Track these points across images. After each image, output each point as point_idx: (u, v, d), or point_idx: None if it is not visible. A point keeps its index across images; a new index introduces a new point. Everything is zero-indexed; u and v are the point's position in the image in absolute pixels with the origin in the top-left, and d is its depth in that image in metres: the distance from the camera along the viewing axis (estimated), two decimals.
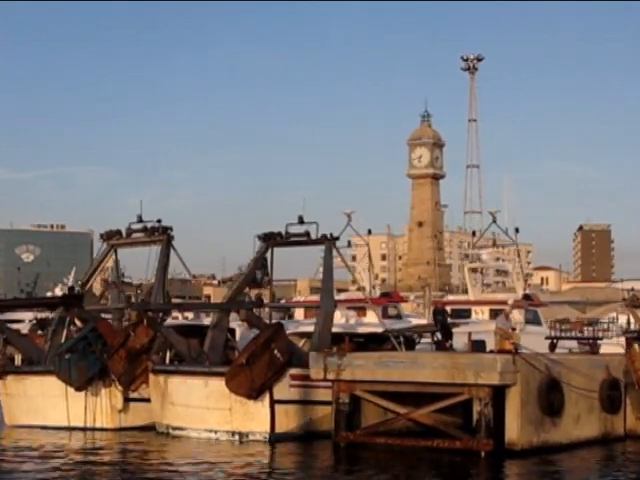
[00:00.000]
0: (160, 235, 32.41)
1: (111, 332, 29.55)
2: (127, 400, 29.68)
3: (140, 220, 33.16)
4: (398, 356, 25.16)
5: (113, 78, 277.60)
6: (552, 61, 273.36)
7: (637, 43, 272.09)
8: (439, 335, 29.36)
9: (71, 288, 30.63)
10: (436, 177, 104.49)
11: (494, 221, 39.19)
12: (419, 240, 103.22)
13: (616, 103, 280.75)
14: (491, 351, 25.86)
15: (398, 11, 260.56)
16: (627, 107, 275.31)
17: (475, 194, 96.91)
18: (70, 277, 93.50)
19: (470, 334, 26.78)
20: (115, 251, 33.90)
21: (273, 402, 26.97)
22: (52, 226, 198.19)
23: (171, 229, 32.44)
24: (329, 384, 26.95)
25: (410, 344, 29.08)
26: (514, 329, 26.31)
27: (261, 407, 26.96)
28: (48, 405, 30.25)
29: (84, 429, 29.48)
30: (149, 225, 32.68)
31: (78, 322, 30.17)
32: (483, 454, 23.92)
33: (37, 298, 32.52)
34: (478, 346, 30.07)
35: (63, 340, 32.66)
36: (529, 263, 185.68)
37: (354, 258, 47.55)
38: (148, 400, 29.61)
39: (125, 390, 29.15)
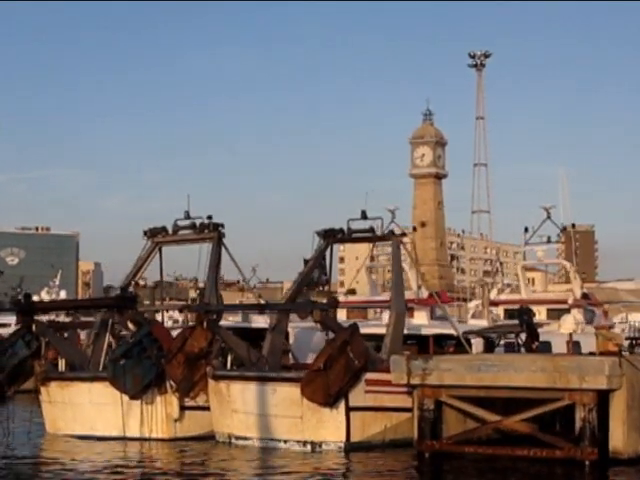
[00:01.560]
0: (211, 232, 30.68)
1: (166, 336, 27.71)
2: (182, 408, 27.84)
3: (188, 216, 31.41)
4: (491, 359, 23.47)
5: (87, 79, 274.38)
6: (553, 64, 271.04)
7: None
8: (522, 336, 27.67)
9: (124, 289, 28.71)
10: (439, 176, 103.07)
11: (548, 217, 37.65)
12: (422, 240, 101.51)
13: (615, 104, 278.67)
14: (591, 353, 24.21)
15: (398, 10, 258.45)
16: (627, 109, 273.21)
17: (483, 193, 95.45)
18: (56, 280, 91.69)
19: (571, 335, 25.15)
20: (160, 249, 32.11)
21: (348, 409, 25.25)
22: (37, 228, 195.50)
23: (222, 226, 30.70)
24: (404, 389, 25.36)
25: (490, 346, 27.40)
26: (611, 327, 24.74)
27: (336, 414, 25.21)
28: (97, 414, 28.38)
29: (137, 439, 27.57)
30: (198, 221, 30.99)
31: (131, 325, 28.24)
32: (588, 464, 22.26)
33: (88, 299, 30.48)
34: (545, 347, 28.53)
35: (106, 344, 31.01)
36: (516, 264, 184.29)
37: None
38: (204, 408, 27.88)
39: (184, 397, 27.33)
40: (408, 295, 39.05)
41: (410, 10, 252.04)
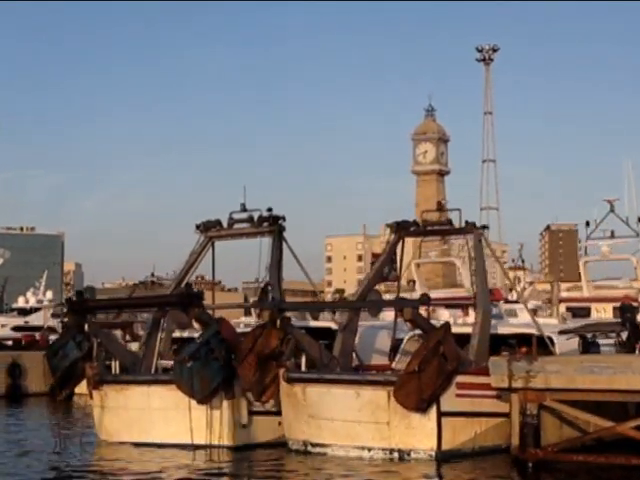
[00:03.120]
0: (271, 225, 28.85)
1: (235, 336, 25.84)
2: (250, 413, 26.00)
3: (244, 209, 29.55)
4: (604, 360, 21.78)
5: (61, 80, 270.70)
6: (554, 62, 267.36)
7: None
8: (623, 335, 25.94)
9: (188, 285, 26.77)
10: (442, 173, 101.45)
11: (612, 210, 36.08)
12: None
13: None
14: None
15: (399, 5, 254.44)
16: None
17: (492, 189, 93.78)
18: (42, 281, 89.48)
19: None
20: (212, 245, 30.26)
21: (440, 414, 23.47)
22: (22, 228, 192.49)
23: (283, 219, 28.87)
24: (494, 393, 23.69)
25: (592, 346, 25.62)
26: None
27: (426, 420, 23.41)
28: (156, 419, 26.46)
29: (201, 447, 25.64)
30: (255, 214, 29.16)
31: (196, 324, 26.32)
32: None
33: (148, 296, 28.52)
34: None
35: (158, 344, 29.13)
36: (505, 263, 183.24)
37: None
38: (271, 413, 26.10)
39: (256, 401, 25.50)
40: (459, 293, 37.44)
41: (411, 6, 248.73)
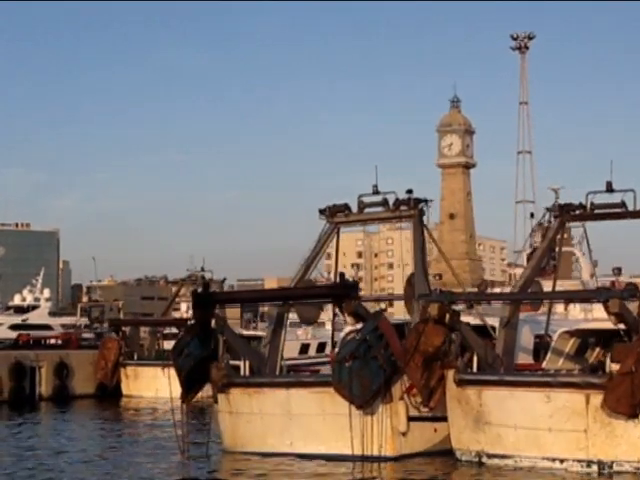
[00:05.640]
0: (411, 209, 25.89)
1: (393, 332, 22.83)
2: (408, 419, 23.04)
3: (376, 191, 26.56)
4: None
5: (36, 79, 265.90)
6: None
7: None
8: None
9: (342, 275, 23.73)
10: (467, 166, 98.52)
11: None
12: (450, 233, 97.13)
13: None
14: None
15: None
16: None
17: (528, 182, 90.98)
18: (39, 278, 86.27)
19: None
20: (338, 231, 27.31)
21: None
22: (17, 225, 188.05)
23: (426, 202, 25.90)
24: None
25: None
26: None
27: (633, 428, 20.48)
28: (297, 427, 23.44)
29: (355, 458, 22.56)
30: (391, 197, 26.21)
31: (349, 319, 23.28)
32: None
33: (294, 288, 25.45)
34: None
35: (282, 342, 26.14)
36: (503, 259, 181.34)
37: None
38: (428, 419, 23.17)
39: (425, 406, 22.55)
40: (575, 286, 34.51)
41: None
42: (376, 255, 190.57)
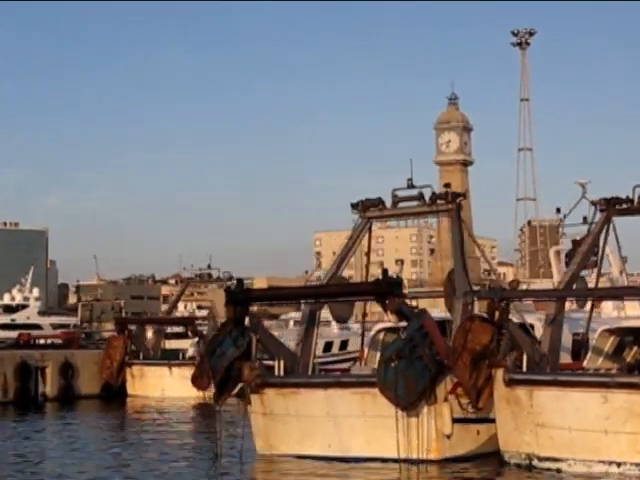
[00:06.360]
0: (448, 203, 25.08)
1: (438, 331, 21.96)
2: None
3: (411, 185, 25.74)
4: None
5: (26, 76, 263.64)
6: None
7: None
8: None
9: (386, 271, 22.83)
10: (465, 164, 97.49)
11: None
12: (449, 231, 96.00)
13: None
14: None
15: None
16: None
17: (529, 179, 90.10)
18: (28, 277, 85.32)
19: None
20: (370, 226, 26.49)
21: None
22: (5, 224, 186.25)
23: (463, 195, 25.12)
24: None
25: None
26: None
27: None
28: (339, 429, 22.54)
29: (399, 460, 21.63)
30: (425, 191, 25.42)
31: (392, 317, 22.35)
32: None
33: (334, 285, 24.58)
34: None
35: (314, 341, 25.28)
36: (494, 258, 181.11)
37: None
38: (471, 420, 22.34)
39: (473, 407, 21.73)
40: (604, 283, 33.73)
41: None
42: (366, 253, 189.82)
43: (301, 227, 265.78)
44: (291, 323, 58.22)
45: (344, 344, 51.44)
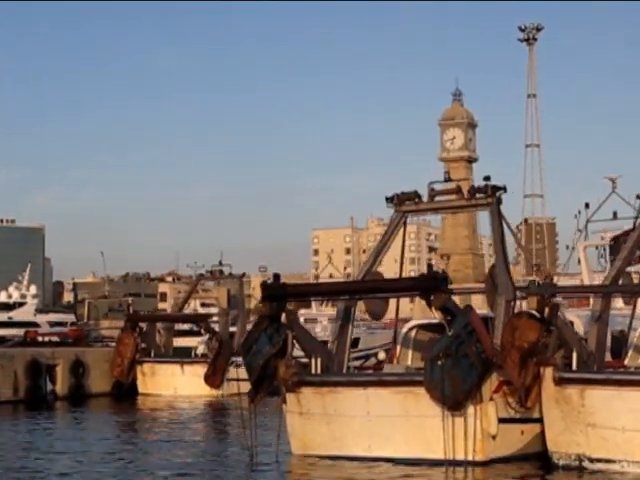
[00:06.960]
0: (488, 197, 24.35)
1: (484, 328, 21.26)
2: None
3: (448, 179, 25.08)
4: None
5: (17, 77, 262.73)
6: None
7: None
8: None
9: (430, 266, 22.11)
10: (470, 160, 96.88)
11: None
12: (453, 228, 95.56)
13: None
14: None
15: None
16: None
17: (536, 176, 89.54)
18: (26, 275, 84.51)
19: None
20: (405, 220, 25.75)
21: None
22: (1, 221, 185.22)
23: (504, 189, 24.38)
24: None
25: None
26: None
27: None
28: (380, 429, 21.82)
29: (443, 462, 20.92)
30: (464, 184, 24.74)
31: (437, 314, 21.62)
32: None
33: (376, 280, 23.83)
34: None
35: (349, 338, 24.57)
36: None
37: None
38: (515, 420, 21.65)
39: (522, 407, 21.05)
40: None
41: None
42: (364, 251, 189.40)
43: (299, 225, 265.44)
44: (301, 320, 57.45)
45: (355, 342, 50.68)
